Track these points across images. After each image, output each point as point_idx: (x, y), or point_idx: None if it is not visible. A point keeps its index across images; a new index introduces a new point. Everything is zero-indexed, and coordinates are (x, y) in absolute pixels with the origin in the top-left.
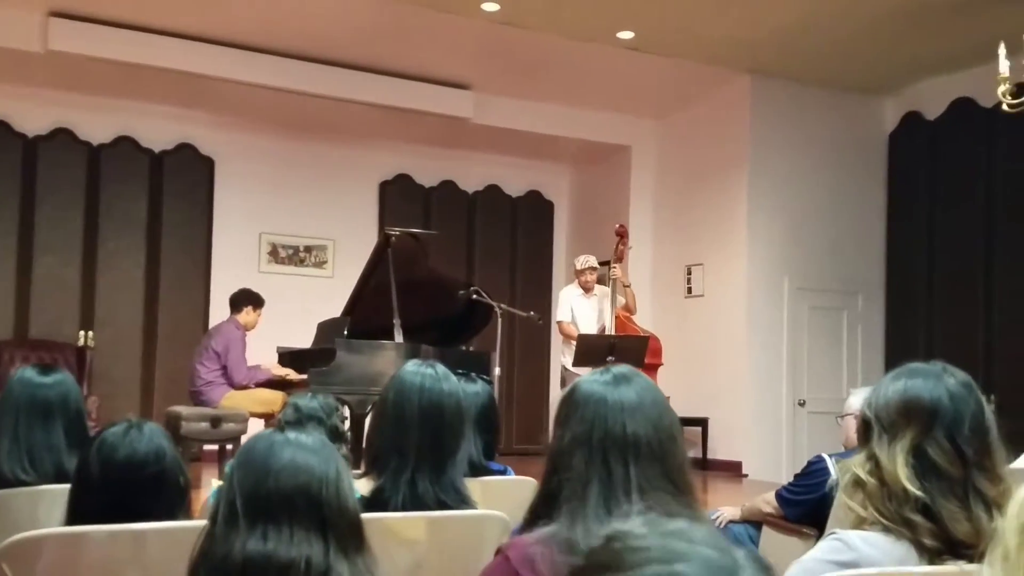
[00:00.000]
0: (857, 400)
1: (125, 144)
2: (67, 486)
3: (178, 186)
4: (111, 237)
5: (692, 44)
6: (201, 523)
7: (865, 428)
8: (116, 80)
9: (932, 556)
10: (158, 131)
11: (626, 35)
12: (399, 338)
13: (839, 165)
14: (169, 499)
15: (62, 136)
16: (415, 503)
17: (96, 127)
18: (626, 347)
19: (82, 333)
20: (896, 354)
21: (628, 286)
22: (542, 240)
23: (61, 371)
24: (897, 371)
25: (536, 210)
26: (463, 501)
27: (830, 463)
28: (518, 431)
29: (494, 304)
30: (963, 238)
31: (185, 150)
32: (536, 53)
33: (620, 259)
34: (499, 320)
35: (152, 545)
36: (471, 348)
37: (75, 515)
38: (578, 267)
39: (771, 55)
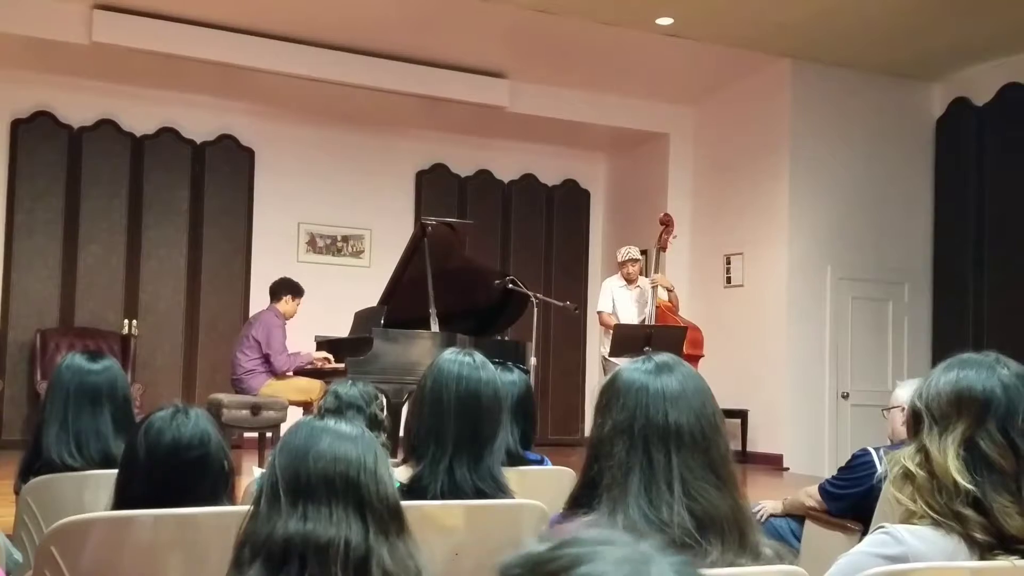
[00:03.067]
0: (904, 393)
1: (167, 135)
2: (113, 471)
3: (219, 176)
4: (154, 227)
5: (731, 28)
6: (245, 508)
7: (915, 420)
8: (158, 72)
9: (983, 551)
10: (199, 122)
11: (665, 21)
12: (435, 327)
13: (884, 152)
14: (213, 483)
15: (106, 127)
16: (453, 491)
17: (139, 118)
18: (663, 337)
19: (126, 322)
20: (944, 346)
21: (671, 289)
22: (578, 229)
23: (109, 358)
24: (949, 361)
25: (572, 199)
26: (500, 490)
27: (876, 456)
28: (554, 422)
29: (530, 294)
30: (1013, 227)
31: (226, 141)
32: (572, 40)
33: (664, 248)
34: (535, 310)
35: (197, 529)
36: (506, 338)
37: (121, 499)
38: (620, 258)
39: (812, 39)
